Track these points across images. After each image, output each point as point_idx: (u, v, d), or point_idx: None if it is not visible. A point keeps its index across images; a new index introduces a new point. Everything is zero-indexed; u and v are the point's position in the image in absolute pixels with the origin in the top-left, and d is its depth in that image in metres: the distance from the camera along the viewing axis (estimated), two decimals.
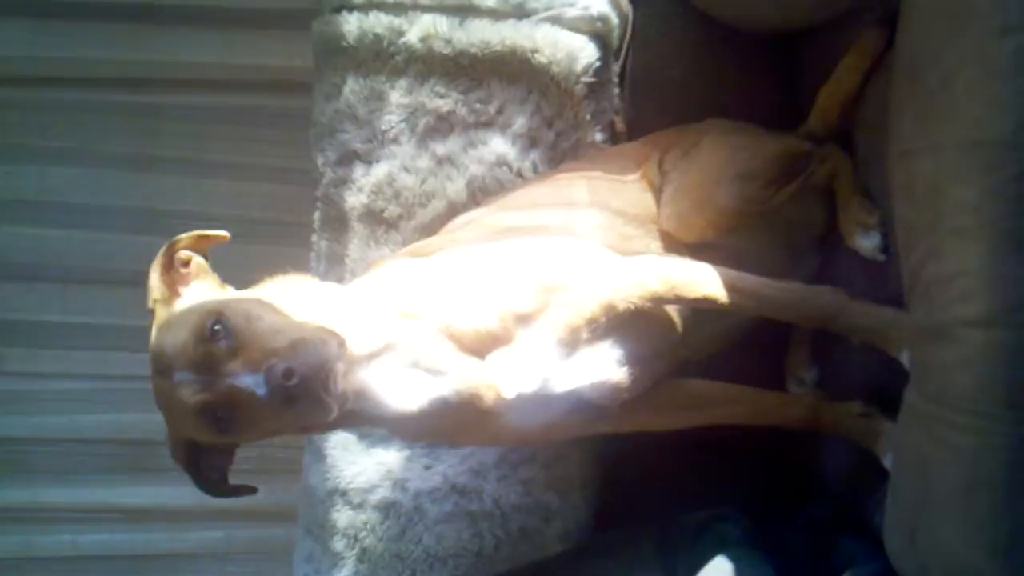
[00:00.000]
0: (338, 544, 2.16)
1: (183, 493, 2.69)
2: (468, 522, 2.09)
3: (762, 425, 1.88)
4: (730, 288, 1.63)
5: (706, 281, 1.63)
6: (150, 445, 2.69)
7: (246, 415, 1.40)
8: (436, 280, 1.65)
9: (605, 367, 1.66)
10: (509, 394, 1.57)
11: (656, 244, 1.85)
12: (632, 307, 1.62)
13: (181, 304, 1.55)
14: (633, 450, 2.15)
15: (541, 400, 1.61)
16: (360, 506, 2.14)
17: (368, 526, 2.13)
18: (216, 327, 1.39)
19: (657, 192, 1.90)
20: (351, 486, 2.14)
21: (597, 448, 2.16)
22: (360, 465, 2.15)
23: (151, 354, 1.48)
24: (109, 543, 2.74)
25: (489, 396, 1.56)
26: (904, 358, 1.53)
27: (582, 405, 1.68)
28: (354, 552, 2.15)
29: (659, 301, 1.64)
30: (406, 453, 2.14)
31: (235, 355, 1.39)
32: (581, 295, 1.60)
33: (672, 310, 1.77)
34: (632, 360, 1.69)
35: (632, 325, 1.68)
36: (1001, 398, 1.27)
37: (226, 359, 1.39)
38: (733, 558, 1.72)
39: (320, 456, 2.21)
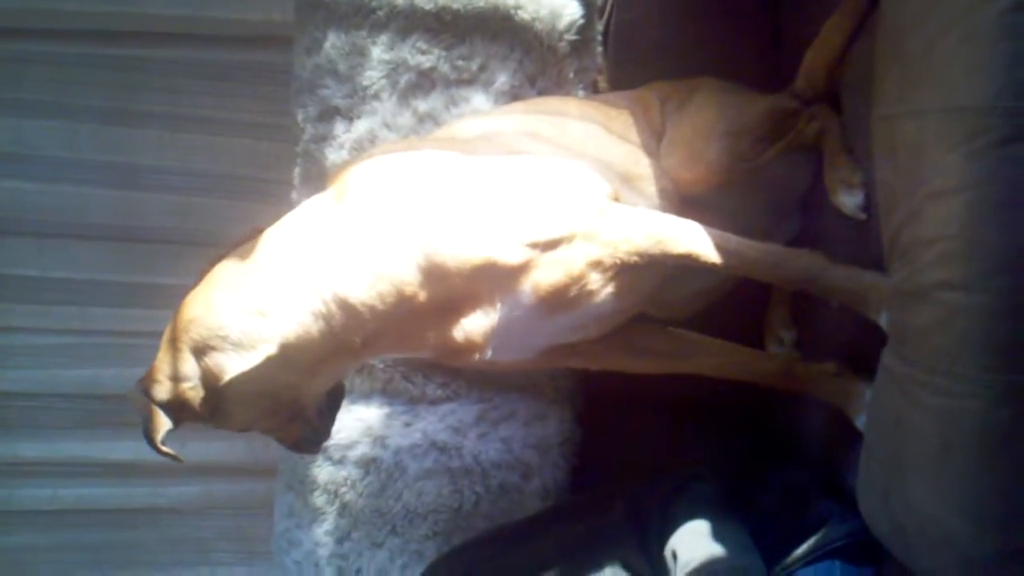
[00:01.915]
0: (319, 499, 2.17)
1: None
2: (448, 478, 2.11)
3: (736, 381, 1.88)
4: (714, 247, 1.62)
5: (690, 238, 1.62)
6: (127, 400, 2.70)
7: None
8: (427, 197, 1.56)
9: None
10: (486, 355, 1.58)
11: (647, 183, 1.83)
12: (618, 263, 1.59)
13: None
14: (612, 409, 2.18)
15: (515, 344, 1.63)
16: (341, 462, 2.15)
17: (348, 482, 2.14)
18: None
19: (656, 134, 1.91)
20: (332, 442, 2.13)
21: (576, 407, 2.18)
22: (341, 422, 2.12)
23: None
24: (89, 497, 2.73)
25: (465, 351, 1.58)
26: (883, 320, 1.54)
27: (559, 338, 1.70)
28: (334, 507, 2.17)
29: (646, 256, 1.61)
30: (386, 410, 2.15)
31: None
32: (569, 255, 1.56)
33: None
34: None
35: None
36: (977, 361, 1.28)
37: None
38: (707, 519, 1.74)
39: None
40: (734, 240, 1.65)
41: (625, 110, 1.92)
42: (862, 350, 1.66)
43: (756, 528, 1.78)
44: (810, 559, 1.72)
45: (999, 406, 1.26)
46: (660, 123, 1.92)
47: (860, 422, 1.69)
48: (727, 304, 2.02)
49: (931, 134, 1.34)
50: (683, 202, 1.82)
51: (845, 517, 1.73)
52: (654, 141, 1.89)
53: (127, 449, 2.68)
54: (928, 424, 1.37)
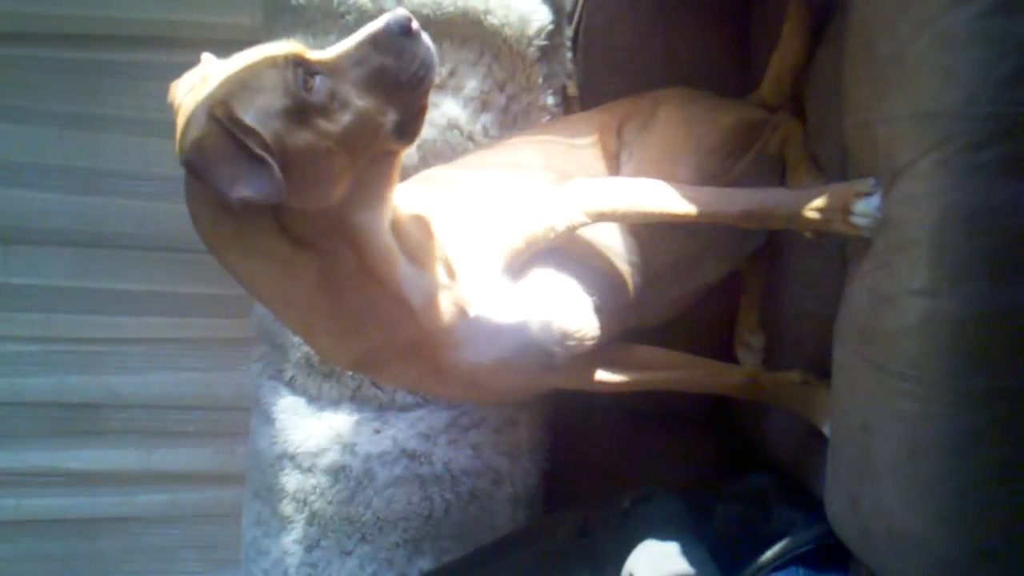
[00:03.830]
0: (287, 508, 2.16)
1: (128, 456, 2.69)
2: (418, 485, 2.10)
3: (704, 393, 1.92)
4: (684, 199, 1.64)
5: (660, 193, 1.66)
6: (94, 408, 2.67)
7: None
8: None
9: (554, 307, 1.68)
10: (473, 311, 1.57)
11: None
12: (571, 224, 1.65)
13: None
14: (581, 415, 2.18)
15: (493, 331, 1.61)
16: (309, 470, 2.14)
17: (317, 490, 2.13)
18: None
19: (613, 159, 1.91)
20: (300, 450, 2.13)
21: (546, 413, 2.18)
22: (309, 429, 2.15)
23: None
24: (53, 507, 2.70)
25: (449, 312, 1.56)
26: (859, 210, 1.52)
27: (532, 348, 1.68)
28: (303, 515, 2.15)
29: (599, 216, 1.67)
30: (356, 417, 2.14)
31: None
32: (520, 218, 1.63)
33: (624, 271, 1.79)
34: (581, 310, 1.72)
35: (582, 268, 1.72)
36: (945, 366, 1.29)
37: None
38: (663, 537, 1.72)
39: (268, 419, 2.21)
40: (704, 191, 1.67)
41: (586, 139, 1.94)
42: (828, 359, 1.66)
43: (718, 538, 1.78)
44: (775, 566, 1.72)
45: (967, 411, 1.27)
46: (616, 148, 1.92)
47: (828, 430, 1.70)
48: (698, 311, 2.03)
49: (902, 139, 1.35)
50: (645, 224, 1.82)
51: (809, 522, 1.74)
52: (614, 166, 1.91)
53: (92, 458, 2.66)
54: (896, 428, 1.37)
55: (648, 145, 1.88)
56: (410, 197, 1.59)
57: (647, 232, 1.82)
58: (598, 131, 1.95)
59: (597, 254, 1.78)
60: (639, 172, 1.83)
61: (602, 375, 1.84)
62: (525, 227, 1.63)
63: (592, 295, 1.74)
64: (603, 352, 1.82)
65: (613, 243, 1.80)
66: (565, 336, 1.70)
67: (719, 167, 1.82)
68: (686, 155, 1.82)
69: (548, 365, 1.73)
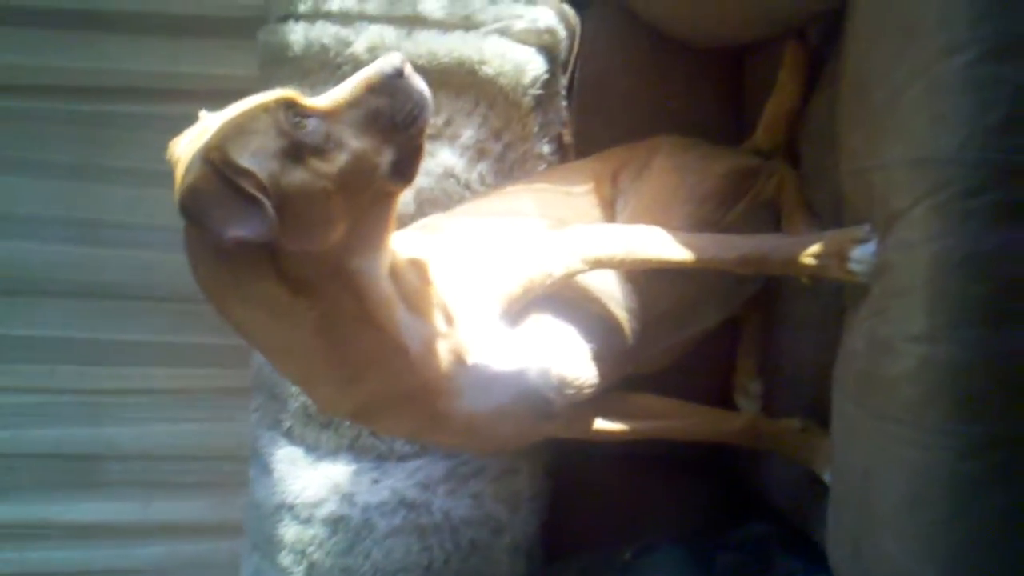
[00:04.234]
0: (285, 559, 2.14)
1: (125, 509, 2.69)
2: (417, 536, 2.08)
3: (703, 441, 1.90)
4: (680, 246, 1.65)
5: (657, 240, 1.66)
6: (94, 460, 2.67)
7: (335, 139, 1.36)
8: None
9: (552, 354, 1.67)
10: (470, 358, 1.56)
11: None
12: (569, 271, 1.65)
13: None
14: (581, 464, 2.17)
15: (491, 378, 1.60)
16: (308, 521, 2.12)
17: (316, 541, 2.11)
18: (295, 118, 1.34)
19: (608, 207, 1.91)
20: (298, 500, 2.12)
21: (546, 462, 2.16)
22: (307, 479, 2.13)
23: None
24: (53, 560, 2.69)
25: (447, 359, 1.55)
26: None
27: (530, 396, 1.67)
28: (302, 567, 2.13)
29: (596, 263, 1.67)
30: (354, 467, 2.13)
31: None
32: (517, 264, 1.63)
33: (622, 317, 1.78)
34: (579, 357, 1.71)
35: (580, 314, 1.72)
36: (945, 413, 1.28)
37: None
38: None
39: (267, 470, 2.20)
40: (701, 237, 1.67)
41: (582, 187, 1.94)
42: (827, 406, 1.65)
43: None
44: None
45: (968, 457, 1.26)
46: (611, 196, 1.93)
47: (828, 477, 1.69)
48: (695, 358, 2.03)
49: (897, 186, 1.35)
50: (642, 271, 1.82)
51: (810, 571, 1.72)
52: (609, 214, 1.91)
53: (91, 510, 2.65)
54: (897, 475, 1.36)
55: (642, 193, 1.89)
56: (408, 243, 1.60)
57: (644, 278, 1.82)
58: (593, 179, 1.95)
59: (595, 300, 1.77)
60: (634, 220, 1.83)
61: (600, 424, 1.83)
62: (522, 273, 1.62)
63: (590, 342, 1.73)
64: (601, 400, 1.81)
65: (610, 289, 1.80)
66: (563, 383, 1.69)
67: (713, 215, 1.82)
68: (680, 203, 1.83)
69: (546, 413, 1.72)
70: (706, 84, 2.20)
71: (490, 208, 1.92)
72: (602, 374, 1.75)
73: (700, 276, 1.78)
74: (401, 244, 1.55)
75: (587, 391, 1.73)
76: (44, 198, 2.59)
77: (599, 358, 1.74)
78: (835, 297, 1.65)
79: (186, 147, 1.37)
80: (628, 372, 1.88)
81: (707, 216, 1.82)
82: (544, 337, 1.68)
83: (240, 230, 1.23)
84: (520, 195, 1.94)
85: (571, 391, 1.71)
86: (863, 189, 1.48)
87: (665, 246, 1.64)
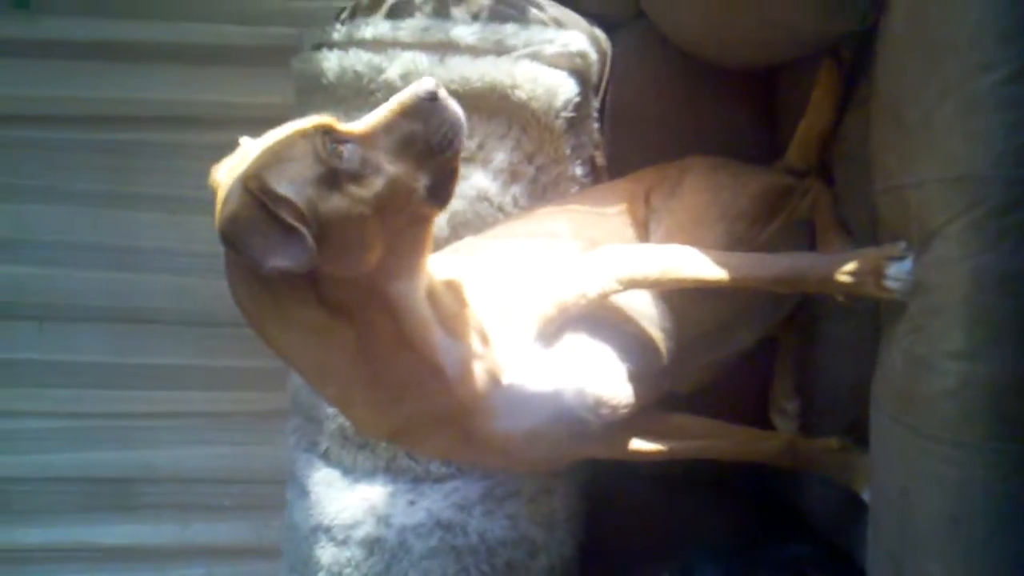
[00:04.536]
0: None
1: (163, 531, 2.70)
2: (453, 557, 2.08)
3: (741, 461, 1.90)
4: (715, 264, 1.65)
5: (692, 260, 1.66)
6: (127, 483, 2.69)
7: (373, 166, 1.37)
8: None
9: (588, 374, 1.67)
10: (506, 379, 1.57)
11: None
12: (603, 291, 1.65)
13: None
14: (618, 484, 2.16)
15: (526, 399, 1.61)
16: (344, 542, 2.13)
17: (352, 563, 2.12)
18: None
19: (642, 227, 1.91)
20: (335, 522, 2.13)
21: (582, 482, 2.16)
22: (344, 501, 2.14)
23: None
24: None
25: (483, 380, 1.55)
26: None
27: (565, 416, 1.67)
28: None
29: (631, 283, 1.67)
30: (390, 488, 2.13)
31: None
32: (551, 285, 1.63)
33: (657, 337, 1.79)
34: (615, 377, 1.71)
35: (615, 334, 1.72)
36: (983, 430, 1.28)
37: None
38: None
39: (303, 492, 2.21)
40: (736, 256, 1.67)
41: (615, 207, 1.94)
42: (864, 425, 1.65)
43: None
44: None
45: (1008, 476, 1.26)
46: (644, 216, 1.93)
47: (868, 496, 1.68)
48: (732, 378, 2.03)
49: (932, 203, 1.36)
50: (677, 291, 1.82)
51: None
52: (643, 233, 1.91)
53: (127, 533, 2.67)
54: (936, 493, 1.36)
55: (675, 212, 1.89)
56: (443, 265, 1.61)
57: (679, 298, 1.81)
58: (627, 200, 1.95)
59: (630, 320, 1.77)
60: (667, 239, 1.83)
61: (636, 444, 1.82)
62: (557, 294, 1.63)
63: (626, 362, 1.73)
64: (637, 421, 1.81)
65: (645, 308, 1.80)
66: (599, 404, 1.69)
67: (747, 233, 1.82)
68: (713, 222, 1.83)
69: (582, 434, 1.72)
70: (739, 105, 2.20)
71: (524, 229, 1.92)
72: (638, 394, 1.75)
73: (735, 296, 1.78)
74: (437, 266, 1.56)
75: (623, 411, 1.73)
76: (75, 225, 2.63)
77: (635, 378, 1.74)
78: (871, 316, 1.65)
79: (226, 174, 1.40)
80: (664, 392, 1.88)
81: (741, 234, 1.82)
82: (580, 357, 1.68)
83: (280, 260, 1.25)
84: (554, 216, 1.95)
85: (607, 411, 1.70)
86: (898, 207, 1.48)
87: (700, 265, 1.64)
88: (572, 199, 2.06)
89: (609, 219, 1.92)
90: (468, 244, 1.91)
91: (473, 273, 1.65)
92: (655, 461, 1.86)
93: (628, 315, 1.77)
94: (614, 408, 1.71)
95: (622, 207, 1.94)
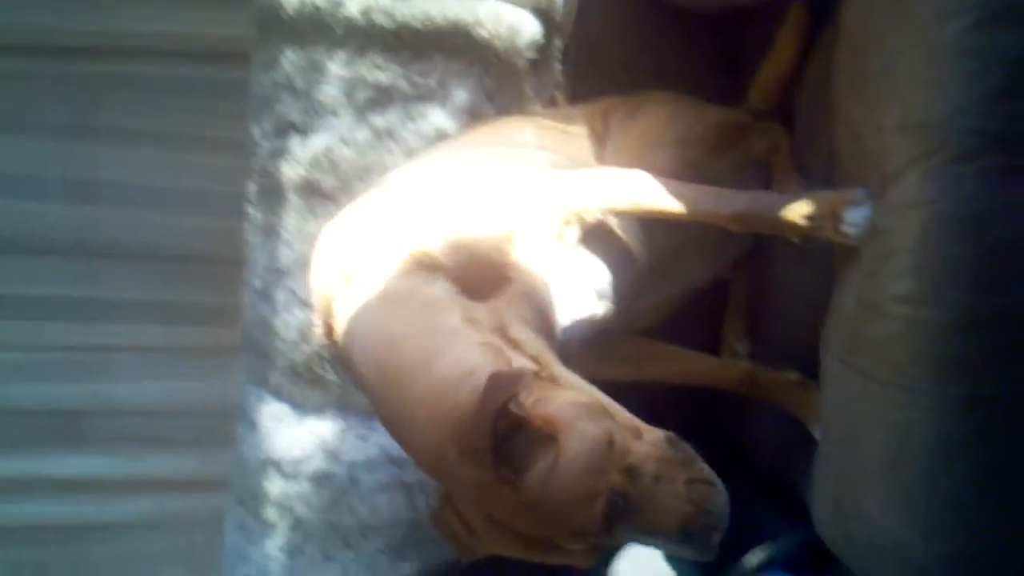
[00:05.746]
0: (271, 514, 2.16)
1: (112, 463, 2.70)
2: (403, 492, 2.10)
3: (696, 387, 1.91)
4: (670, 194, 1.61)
5: (644, 188, 1.61)
6: (79, 415, 2.68)
7: None
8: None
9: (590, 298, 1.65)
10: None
11: None
12: (599, 215, 1.61)
13: None
14: None
15: None
16: (294, 476, 2.14)
17: (301, 496, 2.13)
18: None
19: (600, 144, 1.88)
20: (285, 456, 2.13)
21: None
22: (294, 435, 2.15)
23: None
24: (39, 513, 2.71)
25: None
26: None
27: None
28: (287, 522, 2.15)
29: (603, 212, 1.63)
30: (341, 424, 2.14)
31: None
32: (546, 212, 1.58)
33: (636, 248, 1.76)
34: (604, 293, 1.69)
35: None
36: (928, 373, 1.30)
37: None
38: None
39: (253, 426, 2.21)
40: (698, 189, 1.63)
41: (578, 127, 1.91)
42: (813, 362, 1.67)
43: None
44: (759, 569, 1.72)
45: (952, 419, 1.28)
46: (602, 134, 1.89)
47: (818, 432, 1.70)
48: (683, 318, 2.03)
49: (891, 150, 1.37)
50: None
51: (794, 526, 1.74)
52: (599, 152, 1.88)
53: (77, 465, 2.67)
54: (881, 435, 1.39)
55: (630, 133, 1.86)
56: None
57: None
58: (587, 121, 1.92)
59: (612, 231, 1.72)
60: (619, 156, 1.81)
61: (596, 367, 1.81)
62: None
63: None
64: (602, 343, 1.79)
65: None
66: (592, 324, 1.67)
67: (699, 159, 1.80)
68: (667, 144, 1.80)
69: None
70: (701, 49, 2.20)
71: (494, 138, 1.89)
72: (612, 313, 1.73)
73: (689, 227, 1.75)
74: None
75: (598, 326, 1.71)
76: (37, 157, 2.60)
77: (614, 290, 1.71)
78: (826, 260, 1.65)
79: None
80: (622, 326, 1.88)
81: (693, 160, 1.79)
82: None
83: None
84: (521, 127, 1.92)
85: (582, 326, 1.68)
86: (858, 153, 1.49)
87: (658, 195, 1.61)
88: (538, 113, 2.04)
89: (572, 139, 1.89)
90: (446, 149, 1.88)
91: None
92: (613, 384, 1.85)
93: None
94: (589, 322, 1.69)
95: (584, 128, 1.90)
